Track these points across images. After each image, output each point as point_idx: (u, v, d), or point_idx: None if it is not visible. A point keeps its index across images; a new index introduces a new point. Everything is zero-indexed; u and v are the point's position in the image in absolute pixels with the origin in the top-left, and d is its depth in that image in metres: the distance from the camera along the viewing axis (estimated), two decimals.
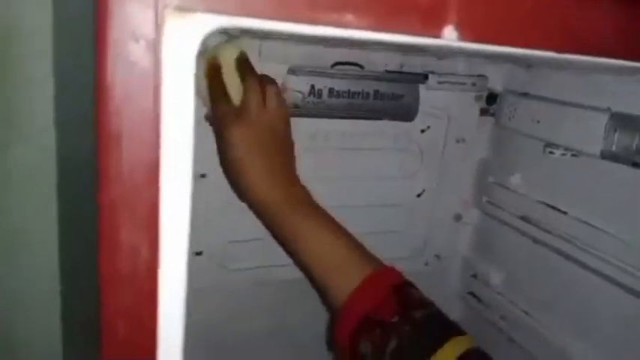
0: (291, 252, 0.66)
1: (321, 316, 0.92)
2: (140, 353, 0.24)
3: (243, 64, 0.67)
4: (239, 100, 0.66)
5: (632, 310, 0.67)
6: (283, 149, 0.68)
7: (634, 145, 0.64)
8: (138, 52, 0.23)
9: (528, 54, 0.29)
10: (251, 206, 0.67)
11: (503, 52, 0.28)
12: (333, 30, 0.25)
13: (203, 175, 0.76)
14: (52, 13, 0.37)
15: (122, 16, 0.23)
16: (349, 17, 0.25)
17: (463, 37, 0.26)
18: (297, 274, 0.87)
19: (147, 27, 0.23)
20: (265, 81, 0.68)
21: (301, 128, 0.80)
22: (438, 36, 0.27)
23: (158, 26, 0.23)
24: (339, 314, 0.60)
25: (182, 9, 0.23)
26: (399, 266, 0.93)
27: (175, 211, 0.23)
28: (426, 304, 0.61)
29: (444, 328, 0.59)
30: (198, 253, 0.78)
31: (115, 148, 0.23)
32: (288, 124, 0.69)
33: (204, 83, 0.67)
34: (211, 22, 0.23)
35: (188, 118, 0.23)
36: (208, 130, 0.73)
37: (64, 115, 0.36)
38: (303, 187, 0.67)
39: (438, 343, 0.55)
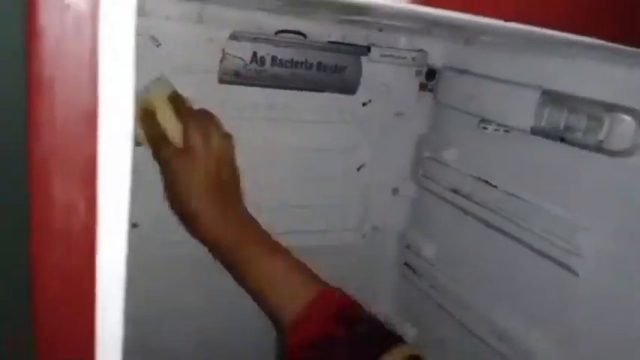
0: (240, 280, 0.67)
1: None
2: (76, 315, 0.22)
3: (178, 103, 0.65)
4: (180, 141, 0.64)
5: (555, 279, 0.72)
6: (231, 182, 0.68)
7: (562, 122, 0.67)
8: None
9: (477, 22, 0.29)
10: (204, 242, 0.68)
11: (450, 17, 0.28)
12: None
13: (138, 144, 0.73)
14: None
15: None
16: None
17: None
18: None
19: None
20: (204, 116, 0.66)
21: (243, 97, 0.79)
22: None
23: None
24: (289, 337, 0.62)
25: None
26: (339, 238, 0.95)
27: (115, 166, 0.22)
28: (370, 320, 0.64)
29: (389, 339, 0.62)
30: (135, 225, 0.75)
31: (47, 92, 0.21)
32: (233, 156, 0.69)
33: (141, 130, 0.66)
34: None
35: (128, 62, 0.21)
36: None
37: None
38: (250, 217, 0.68)
39: (385, 349, 0.58)
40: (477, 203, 0.83)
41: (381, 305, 1.04)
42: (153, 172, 0.74)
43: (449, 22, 0.30)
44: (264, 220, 0.87)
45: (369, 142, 0.90)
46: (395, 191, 0.97)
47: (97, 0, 0.22)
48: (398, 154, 0.94)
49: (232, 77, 0.76)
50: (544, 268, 0.73)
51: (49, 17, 0.22)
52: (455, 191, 0.87)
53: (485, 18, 0.29)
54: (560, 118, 0.68)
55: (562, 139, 0.68)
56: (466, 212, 0.86)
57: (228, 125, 0.79)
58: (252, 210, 0.85)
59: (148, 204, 0.75)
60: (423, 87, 0.91)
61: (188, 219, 0.67)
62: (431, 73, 0.90)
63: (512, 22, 0.30)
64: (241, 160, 0.82)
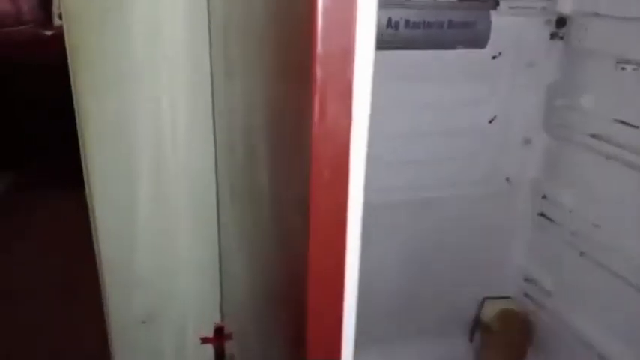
0: None
1: None
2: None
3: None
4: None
5: None
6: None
7: None
8: None
9: None
10: None
11: None
12: None
13: None
14: None
15: None
16: None
17: None
18: None
19: None
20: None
21: (380, 59, 0.89)
22: None
23: None
24: None
25: None
26: (472, 190, 1.03)
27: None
28: None
29: None
30: None
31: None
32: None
33: None
34: None
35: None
36: None
37: None
38: None
39: None
40: (618, 146, 0.86)
41: (517, 256, 1.11)
42: None
43: None
44: (401, 175, 0.96)
45: (500, 94, 0.97)
46: (527, 141, 1.02)
47: None
48: (529, 105, 0.99)
49: None
50: None
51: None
52: (594, 136, 0.90)
53: None
54: None
55: None
56: (607, 157, 0.89)
57: None
58: (384, 165, 0.96)
59: None
60: (553, 36, 0.95)
61: None
62: (560, 21, 0.94)
63: None
64: (376, 117, 0.92)
